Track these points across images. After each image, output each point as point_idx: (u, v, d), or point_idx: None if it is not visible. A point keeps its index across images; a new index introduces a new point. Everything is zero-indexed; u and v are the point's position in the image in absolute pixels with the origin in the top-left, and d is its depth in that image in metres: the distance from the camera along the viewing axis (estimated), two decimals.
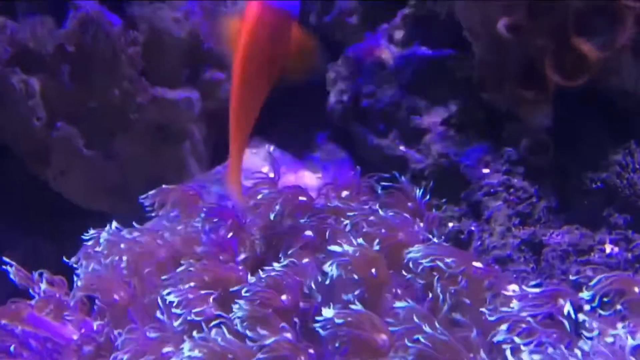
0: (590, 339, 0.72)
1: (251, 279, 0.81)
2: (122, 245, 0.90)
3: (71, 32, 1.14)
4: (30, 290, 0.95)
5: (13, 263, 0.95)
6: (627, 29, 0.92)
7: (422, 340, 0.70)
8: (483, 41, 1.01)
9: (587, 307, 0.73)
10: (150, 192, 0.94)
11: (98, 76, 1.16)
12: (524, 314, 0.73)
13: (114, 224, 0.94)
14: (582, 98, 1.01)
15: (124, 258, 0.89)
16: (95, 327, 0.89)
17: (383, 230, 0.82)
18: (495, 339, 0.72)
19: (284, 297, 0.77)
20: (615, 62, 0.97)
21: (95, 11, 1.14)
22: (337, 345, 0.73)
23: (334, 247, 0.79)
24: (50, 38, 1.16)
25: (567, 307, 0.71)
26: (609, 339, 0.71)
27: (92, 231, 0.94)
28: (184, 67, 1.24)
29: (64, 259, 0.96)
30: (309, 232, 0.86)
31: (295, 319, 0.78)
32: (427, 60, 1.12)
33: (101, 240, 0.92)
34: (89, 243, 0.94)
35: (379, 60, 1.15)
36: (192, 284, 0.81)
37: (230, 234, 0.88)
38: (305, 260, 0.83)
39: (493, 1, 0.97)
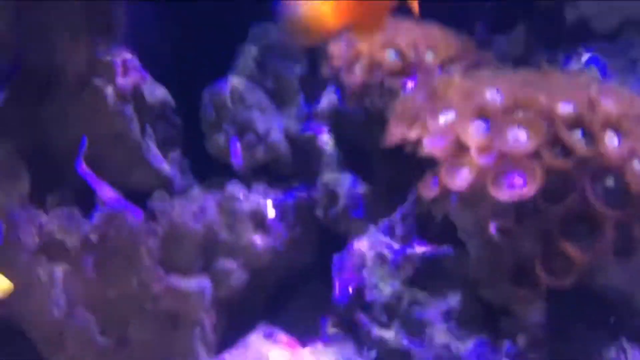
0: None
1: None
2: None
3: (97, 226, 1.23)
4: None
5: None
6: (606, 234, 1.00)
7: None
8: (476, 242, 1.09)
9: None
10: None
11: (118, 267, 1.23)
12: None
13: None
14: (574, 294, 1.07)
15: None
16: None
17: None
18: None
19: None
20: (600, 263, 1.04)
21: (121, 208, 1.24)
22: None
23: None
24: (77, 230, 1.25)
25: None
26: None
27: None
28: (198, 257, 1.32)
29: None
30: None
31: None
32: (426, 256, 1.19)
33: None
34: None
35: (381, 255, 1.23)
36: None
37: None
38: None
39: (483, 206, 1.07)
